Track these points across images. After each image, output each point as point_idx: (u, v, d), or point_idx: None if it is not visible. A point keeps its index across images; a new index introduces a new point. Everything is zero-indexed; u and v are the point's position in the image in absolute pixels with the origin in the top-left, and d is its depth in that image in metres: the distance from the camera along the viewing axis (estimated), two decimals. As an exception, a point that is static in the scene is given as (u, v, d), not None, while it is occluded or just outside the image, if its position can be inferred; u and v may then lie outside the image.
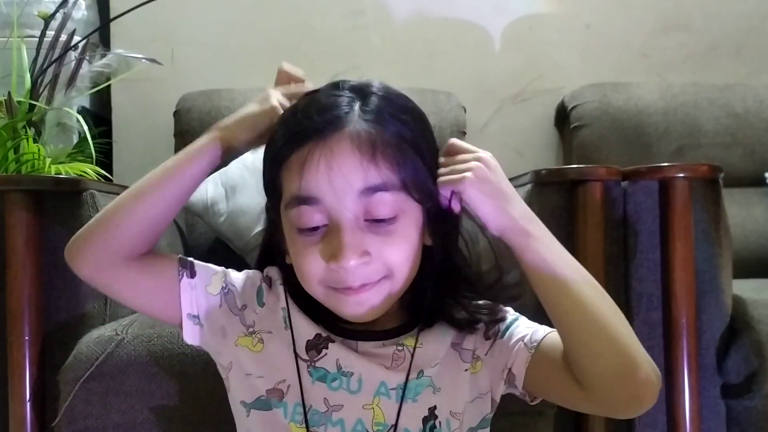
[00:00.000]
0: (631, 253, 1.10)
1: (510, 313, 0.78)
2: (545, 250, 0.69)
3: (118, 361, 0.99)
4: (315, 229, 0.69)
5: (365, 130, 0.68)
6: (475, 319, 0.76)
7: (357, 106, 0.69)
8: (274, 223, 0.76)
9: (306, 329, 0.75)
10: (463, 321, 0.76)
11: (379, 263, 0.69)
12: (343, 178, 0.66)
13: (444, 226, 0.74)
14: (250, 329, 0.76)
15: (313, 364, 0.73)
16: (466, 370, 0.75)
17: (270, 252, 0.81)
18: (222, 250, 1.59)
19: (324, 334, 0.74)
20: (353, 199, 0.67)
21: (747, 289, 1.19)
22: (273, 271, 0.80)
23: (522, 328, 0.75)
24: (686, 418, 1.03)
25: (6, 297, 1.04)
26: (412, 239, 0.71)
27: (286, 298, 0.77)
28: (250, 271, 0.81)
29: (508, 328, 0.76)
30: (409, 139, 0.70)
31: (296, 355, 0.74)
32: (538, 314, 0.74)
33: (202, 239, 1.65)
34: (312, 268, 0.70)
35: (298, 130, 0.69)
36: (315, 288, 0.72)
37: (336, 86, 0.73)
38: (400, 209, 0.69)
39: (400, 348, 0.74)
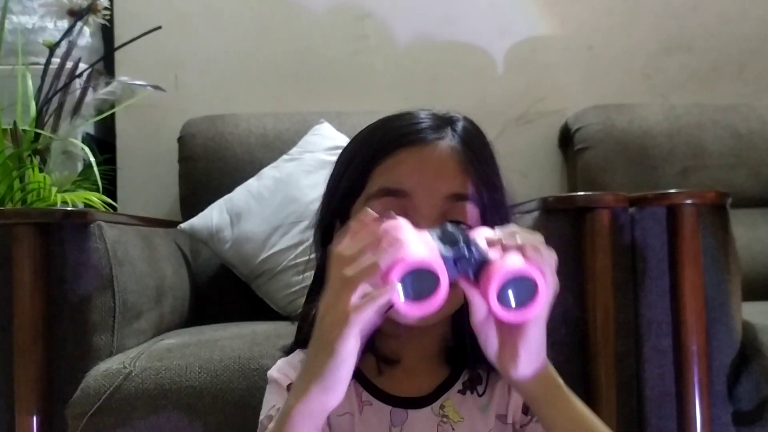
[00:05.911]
0: (639, 279, 1.09)
1: None
2: (575, 400, 0.64)
3: (126, 395, 0.98)
4: None
5: (460, 146, 0.73)
6: None
7: (449, 127, 0.74)
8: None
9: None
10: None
11: None
12: (435, 180, 0.70)
13: None
14: None
15: None
16: None
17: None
18: (227, 277, 1.59)
19: None
20: (439, 201, 0.70)
21: (756, 313, 1.18)
22: (290, 370, 0.75)
23: None
24: (698, 447, 1.02)
25: (13, 330, 1.04)
26: None
27: None
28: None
29: None
30: (494, 171, 0.75)
31: None
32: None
33: (207, 265, 1.65)
34: None
35: (397, 136, 0.74)
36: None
37: (422, 111, 0.77)
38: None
39: (444, 421, 0.74)
